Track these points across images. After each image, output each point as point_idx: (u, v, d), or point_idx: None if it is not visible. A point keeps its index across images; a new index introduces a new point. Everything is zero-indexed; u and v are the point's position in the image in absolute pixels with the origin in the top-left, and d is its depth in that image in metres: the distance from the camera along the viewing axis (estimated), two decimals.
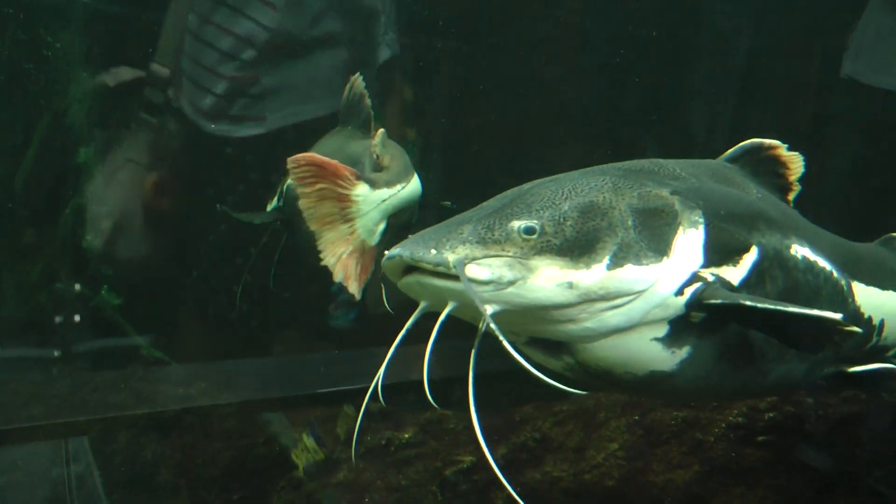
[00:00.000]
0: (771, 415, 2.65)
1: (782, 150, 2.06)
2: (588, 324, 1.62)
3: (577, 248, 1.56)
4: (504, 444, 2.63)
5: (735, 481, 2.62)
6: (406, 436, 2.66)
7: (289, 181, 2.95)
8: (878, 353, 2.26)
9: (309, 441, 2.83)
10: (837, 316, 1.58)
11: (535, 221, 1.57)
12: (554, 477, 2.59)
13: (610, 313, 1.61)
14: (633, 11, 3.51)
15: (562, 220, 1.58)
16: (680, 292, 1.64)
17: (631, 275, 1.58)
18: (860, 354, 2.18)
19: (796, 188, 2.10)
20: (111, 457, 2.86)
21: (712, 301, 1.63)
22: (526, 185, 1.76)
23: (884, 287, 2.21)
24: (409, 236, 1.64)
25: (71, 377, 3.07)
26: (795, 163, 2.07)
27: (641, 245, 1.60)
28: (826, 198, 3.34)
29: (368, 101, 2.70)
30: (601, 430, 2.68)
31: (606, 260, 1.57)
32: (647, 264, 1.59)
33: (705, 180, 1.85)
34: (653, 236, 1.62)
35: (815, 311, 1.61)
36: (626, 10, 3.50)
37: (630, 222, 1.62)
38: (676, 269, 1.63)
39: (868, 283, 2.15)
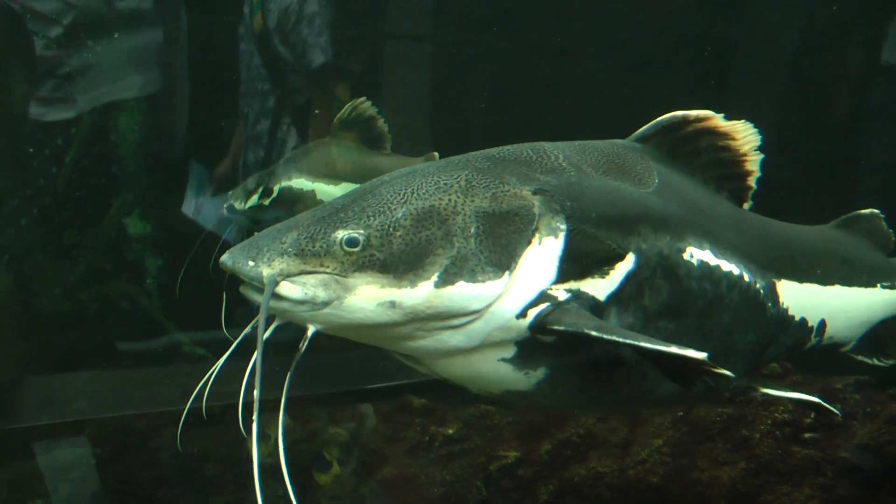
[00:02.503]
0: None
1: (716, 120, 1.75)
2: (426, 342, 1.47)
3: (403, 262, 1.39)
4: (548, 440, 2.63)
5: (781, 479, 2.60)
6: (450, 431, 2.67)
7: (284, 182, 3.05)
8: (819, 353, 2.07)
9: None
10: (701, 355, 1.36)
11: (361, 231, 1.40)
12: (598, 472, 2.59)
13: (448, 333, 1.45)
14: (675, 6, 3.50)
15: (391, 229, 1.41)
16: (523, 314, 1.45)
17: (462, 293, 1.40)
18: (796, 355, 2.03)
19: (751, 160, 1.80)
20: (158, 451, 2.90)
21: (555, 327, 1.44)
22: (384, 178, 1.57)
23: (826, 282, 1.97)
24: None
25: (118, 373, 3.12)
26: (742, 132, 1.77)
27: (480, 258, 1.41)
28: (869, 188, 3.30)
29: (382, 123, 2.90)
30: (645, 427, 2.67)
31: (435, 276, 1.39)
32: (482, 281, 1.40)
33: (588, 172, 1.62)
34: (497, 247, 1.42)
35: (673, 349, 1.38)
36: (667, 5, 3.49)
37: (473, 230, 1.42)
38: (520, 287, 1.44)
39: (803, 281, 1.91)
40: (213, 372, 1.55)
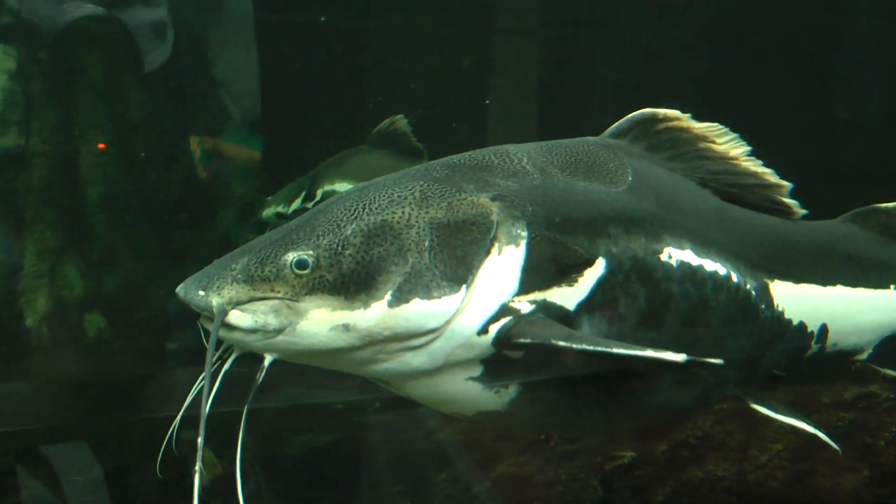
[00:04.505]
0: None
1: (685, 120, 1.68)
2: (388, 365, 1.41)
3: (354, 283, 1.32)
4: (665, 441, 2.61)
5: None
6: None
7: (327, 187, 3.16)
8: (826, 362, 1.92)
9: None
10: (679, 357, 1.30)
11: (311, 252, 1.34)
12: (716, 476, 2.56)
13: (409, 354, 1.39)
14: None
15: (341, 248, 1.34)
16: (484, 330, 1.38)
17: (418, 311, 1.33)
18: (795, 365, 1.87)
19: (740, 161, 1.72)
20: (272, 447, 2.98)
21: (520, 340, 1.36)
22: (344, 193, 1.52)
23: (827, 282, 1.81)
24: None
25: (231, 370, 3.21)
26: (716, 133, 1.70)
27: (435, 273, 1.34)
28: None
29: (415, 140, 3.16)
30: (763, 430, 2.63)
31: (388, 296, 1.32)
32: (438, 297, 1.33)
33: (553, 173, 1.53)
34: (452, 260, 1.35)
35: (649, 352, 1.32)
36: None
37: (427, 243, 1.35)
38: (479, 302, 1.37)
39: (799, 280, 1.77)
40: (188, 402, 1.53)
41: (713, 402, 1.76)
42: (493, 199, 1.42)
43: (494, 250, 1.38)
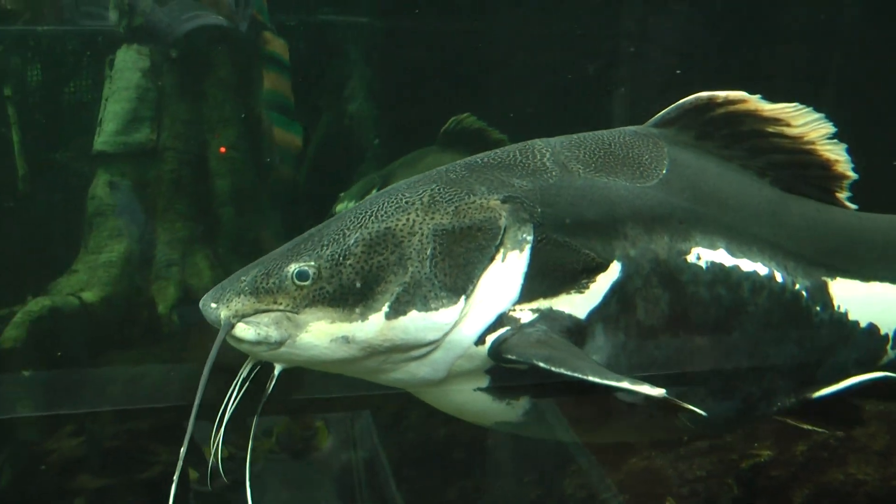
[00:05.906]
0: None
1: (753, 102, 1.54)
2: (396, 374, 1.39)
3: (353, 294, 1.31)
4: (803, 440, 2.57)
5: None
6: None
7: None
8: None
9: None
10: (658, 391, 1.21)
11: (312, 263, 1.33)
12: (858, 479, 2.50)
13: (413, 364, 1.36)
14: None
15: (342, 258, 1.33)
16: (481, 340, 1.34)
17: (415, 323, 1.31)
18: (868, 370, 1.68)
19: (821, 147, 1.56)
20: (403, 434, 3.07)
21: (507, 356, 1.31)
22: (368, 198, 1.49)
23: None
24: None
25: None
26: (792, 115, 1.56)
27: (434, 283, 1.31)
28: None
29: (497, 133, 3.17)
30: None
31: (385, 307, 1.30)
32: (436, 309, 1.30)
33: (575, 169, 1.45)
34: (454, 269, 1.32)
35: (625, 383, 1.23)
36: None
37: (429, 251, 1.32)
38: (477, 311, 1.32)
39: (868, 278, 1.62)
40: (229, 412, 1.48)
41: (761, 414, 1.64)
42: (503, 202, 1.38)
43: (498, 257, 1.35)
